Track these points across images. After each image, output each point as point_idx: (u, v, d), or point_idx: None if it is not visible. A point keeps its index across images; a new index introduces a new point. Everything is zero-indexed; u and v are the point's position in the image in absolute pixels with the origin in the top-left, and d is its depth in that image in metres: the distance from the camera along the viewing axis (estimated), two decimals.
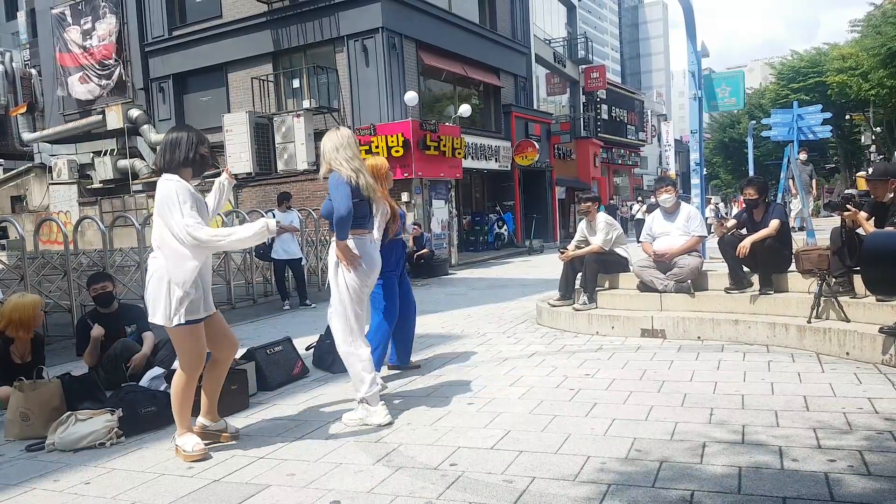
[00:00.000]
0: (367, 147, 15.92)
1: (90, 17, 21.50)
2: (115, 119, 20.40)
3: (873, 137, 31.98)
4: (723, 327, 5.63)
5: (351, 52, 17.04)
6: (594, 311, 6.48)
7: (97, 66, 21.62)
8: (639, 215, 22.44)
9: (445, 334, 6.82)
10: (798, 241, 6.67)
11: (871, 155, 32.03)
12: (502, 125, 22.42)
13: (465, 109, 17.72)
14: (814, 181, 15.68)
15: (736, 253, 5.77)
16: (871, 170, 5.65)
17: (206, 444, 3.55)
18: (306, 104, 16.98)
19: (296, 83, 17.95)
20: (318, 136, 16.62)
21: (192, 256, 3.38)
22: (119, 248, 11.21)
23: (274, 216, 9.11)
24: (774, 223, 5.75)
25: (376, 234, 4.34)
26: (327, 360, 5.34)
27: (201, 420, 3.72)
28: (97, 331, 5.11)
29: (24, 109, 23.73)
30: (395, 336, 5.03)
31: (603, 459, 3.10)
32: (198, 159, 3.52)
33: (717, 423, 3.50)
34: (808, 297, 5.31)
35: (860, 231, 5.04)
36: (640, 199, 27.74)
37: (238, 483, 3.13)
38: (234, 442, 3.70)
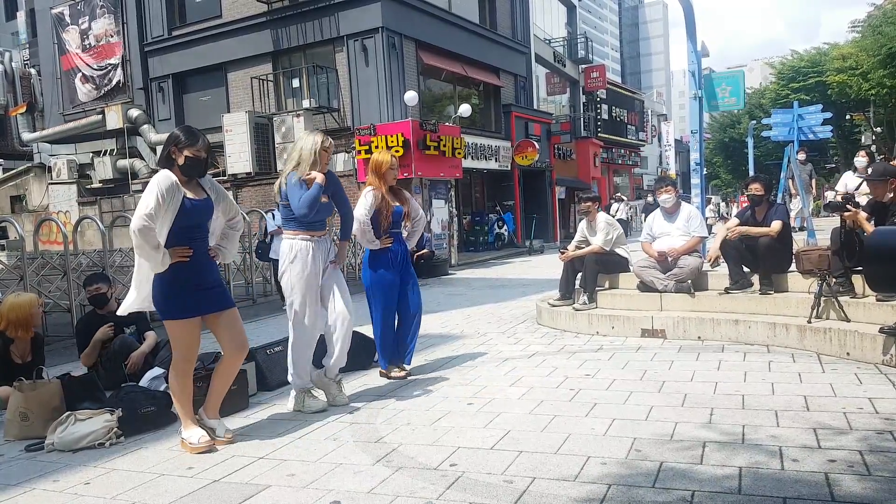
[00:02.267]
0: (366, 147, 15.94)
1: (89, 17, 21.49)
2: (114, 119, 20.40)
3: (873, 137, 31.95)
4: (723, 327, 5.63)
5: (351, 51, 17.03)
6: (594, 311, 6.48)
7: (97, 66, 21.61)
8: (619, 215, 20.24)
9: (445, 334, 6.82)
10: (798, 241, 6.66)
11: (872, 155, 31.97)
12: (502, 125, 22.40)
13: (465, 109, 17.70)
14: (814, 181, 15.67)
15: (727, 233, 5.89)
16: (871, 170, 5.64)
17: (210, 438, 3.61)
18: (306, 104, 16.96)
19: (295, 83, 17.95)
20: None
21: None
22: (119, 248, 11.18)
23: (273, 217, 9.10)
24: (776, 225, 5.75)
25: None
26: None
27: (200, 411, 3.80)
28: (102, 332, 5.13)
29: (23, 109, 23.76)
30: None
31: (603, 460, 3.10)
32: (171, 160, 3.53)
33: (718, 424, 3.50)
34: (808, 297, 5.30)
35: (860, 231, 5.03)
36: (617, 195, 24.81)
37: (238, 483, 3.13)
38: (225, 446, 3.68)
